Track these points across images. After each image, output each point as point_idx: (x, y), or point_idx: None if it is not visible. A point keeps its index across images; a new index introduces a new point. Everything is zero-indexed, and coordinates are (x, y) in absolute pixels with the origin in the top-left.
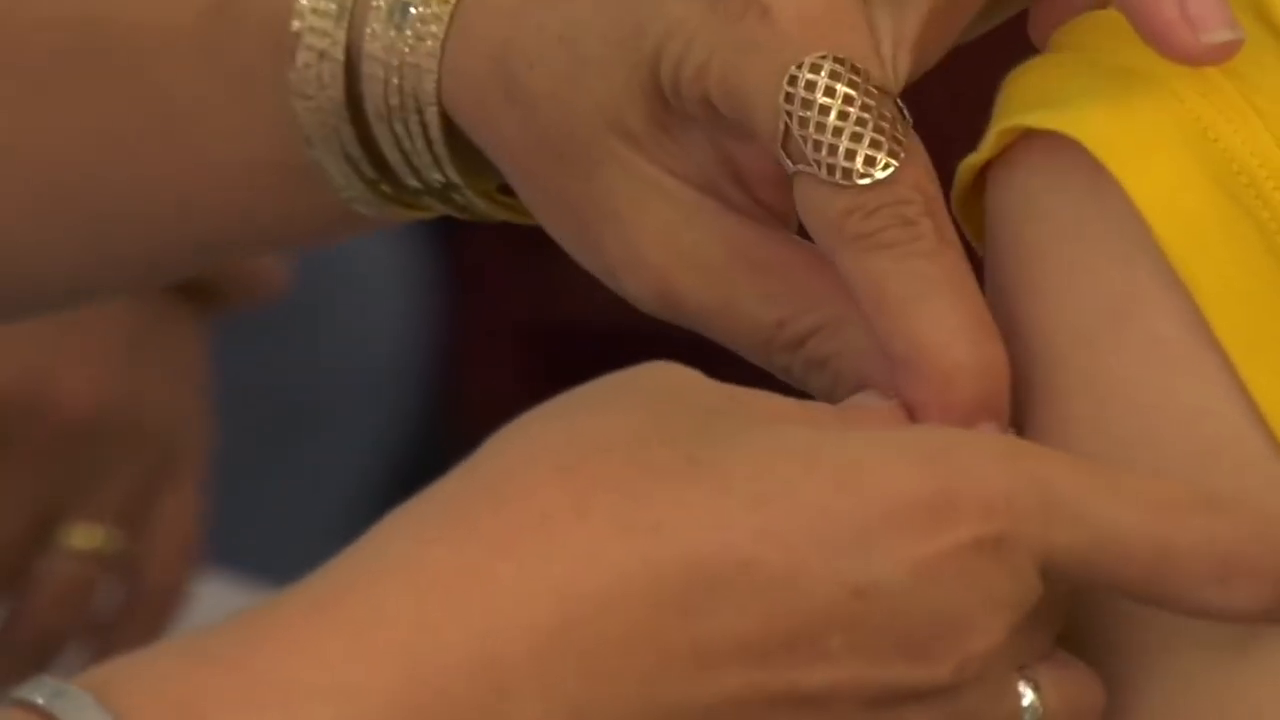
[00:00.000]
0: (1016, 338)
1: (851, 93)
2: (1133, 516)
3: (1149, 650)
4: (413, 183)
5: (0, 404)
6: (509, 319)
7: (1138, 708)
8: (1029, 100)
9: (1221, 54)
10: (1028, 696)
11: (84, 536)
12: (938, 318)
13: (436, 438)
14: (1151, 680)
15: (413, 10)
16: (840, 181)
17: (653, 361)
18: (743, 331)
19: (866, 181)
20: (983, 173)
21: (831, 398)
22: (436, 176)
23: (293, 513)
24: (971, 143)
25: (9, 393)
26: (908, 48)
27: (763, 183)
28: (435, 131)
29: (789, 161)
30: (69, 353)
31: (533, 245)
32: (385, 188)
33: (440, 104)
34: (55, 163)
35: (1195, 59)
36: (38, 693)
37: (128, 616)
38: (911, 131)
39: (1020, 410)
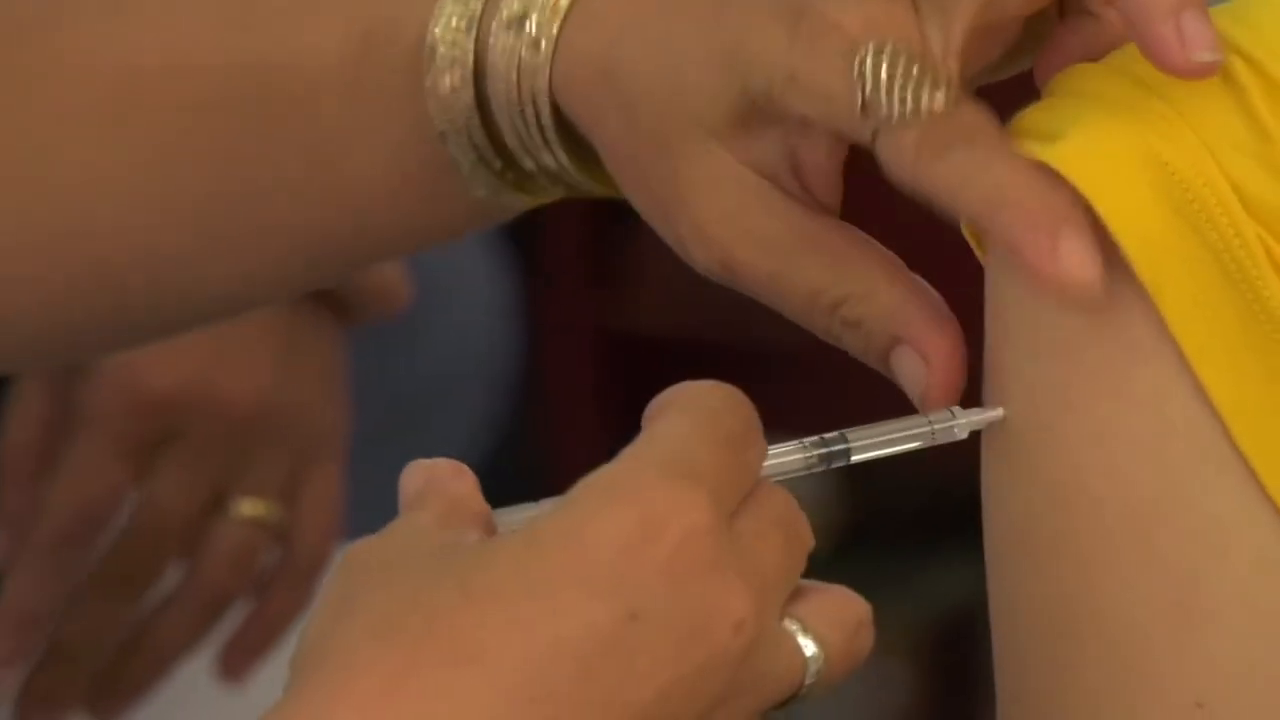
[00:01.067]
0: (1003, 315)
1: (907, 55)
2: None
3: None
4: (529, 165)
5: (179, 401)
6: (584, 326)
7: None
8: (1027, 135)
9: (1205, 71)
10: (808, 644)
11: (250, 508)
12: (1017, 178)
13: (520, 434)
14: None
15: (529, 22)
16: (916, 108)
17: (350, 557)
18: (790, 296)
19: (933, 104)
20: None
21: (865, 355)
22: (549, 160)
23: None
24: None
25: (187, 392)
26: (954, 55)
27: (816, 174)
28: (547, 122)
29: (867, 117)
30: (233, 360)
31: (605, 259)
32: (508, 174)
33: (552, 100)
34: (219, 191)
35: (1183, 73)
36: None
37: (282, 576)
38: (956, 80)
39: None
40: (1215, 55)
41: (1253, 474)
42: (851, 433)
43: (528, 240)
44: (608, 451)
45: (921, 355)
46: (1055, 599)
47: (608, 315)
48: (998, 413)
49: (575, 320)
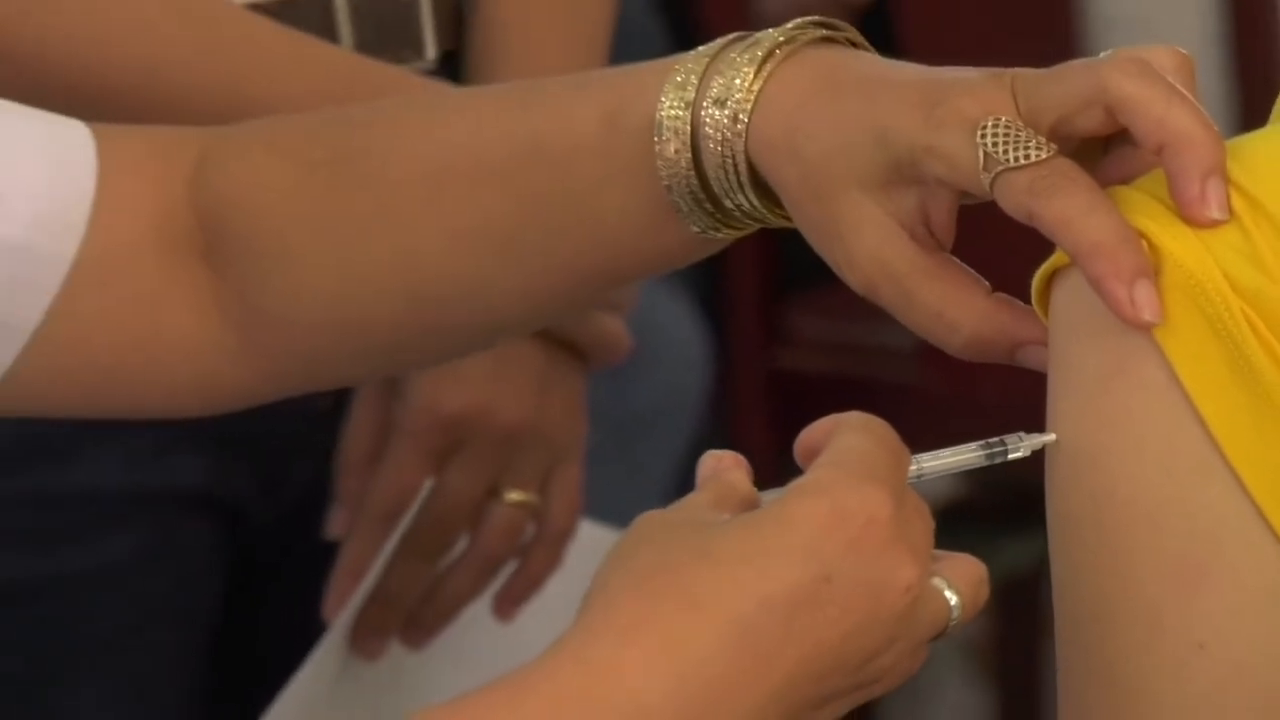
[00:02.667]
0: (1058, 361)
1: (1015, 127)
2: None
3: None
4: (729, 205)
5: (466, 419)
6: (755, 373)
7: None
8: None
9: (1215, 225)
10: (949, 595)
11: (516, 495)
12: (1101, 223)
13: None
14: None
15: (729, 103)
16: (1025, 163)
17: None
18: (912, 311)
19: (1038, 159)
20: (1051, 276)
21: (959, 351)
22: (744, 202)
23: (626, 493)
24: (1044, 255)
25: (471, 412)
26: (1044, 130)
27: (937, 223)
28: (744, 175)
29: (985, 177)
30: (505, 389)
31: (771, 325)
32: (715, 213)
33: (748, 159)
34: (512, 233)
35: (1199, 224)
36: None
37: (538, 545)
38: (1050, 142)
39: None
40: (1224, 215)
41: (1241, 484)
42: (946, 451)
43: (716, 309)
44: (775, 461)
45: (1008, 342)
46: (1095, 573)
47: (772, 363)
48: (1051, 437)
49: (749, 368)
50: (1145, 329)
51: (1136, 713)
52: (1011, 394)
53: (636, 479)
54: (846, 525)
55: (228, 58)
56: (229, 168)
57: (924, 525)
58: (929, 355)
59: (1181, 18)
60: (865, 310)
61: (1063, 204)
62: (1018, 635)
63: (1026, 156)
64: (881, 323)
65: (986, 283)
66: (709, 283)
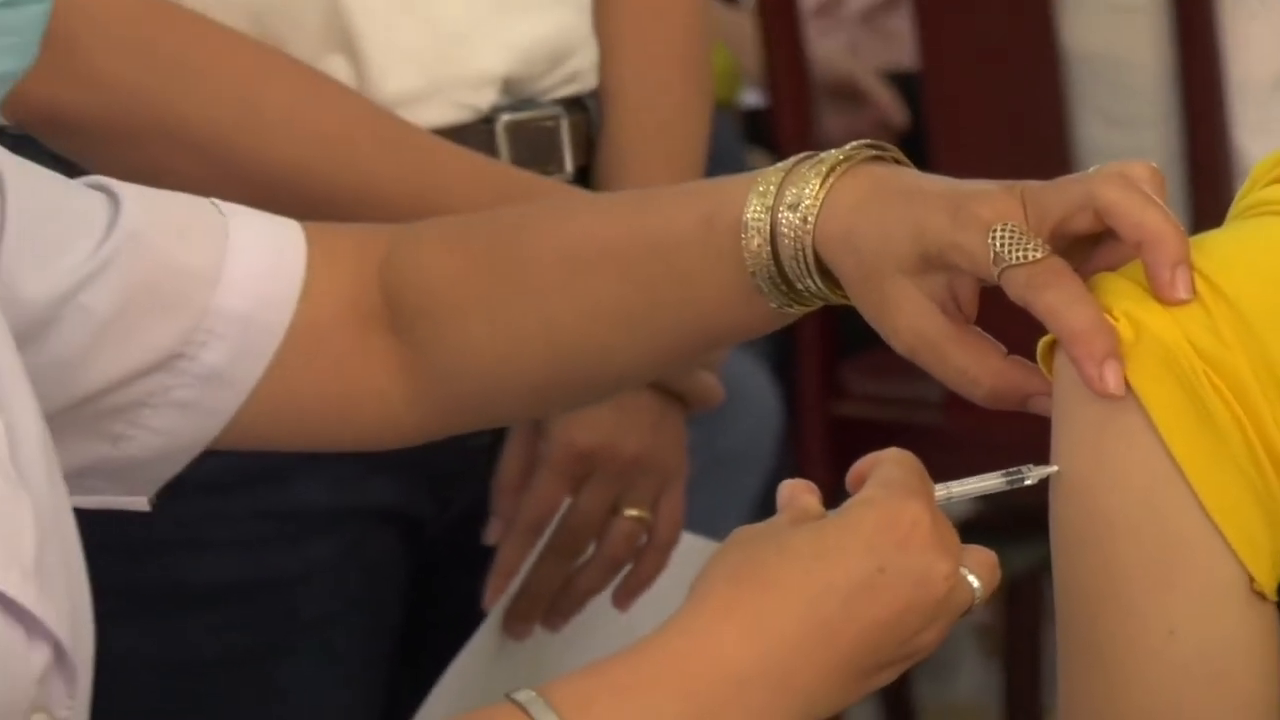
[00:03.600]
0: (1059, 407)
1: (1020, 231)
2: None
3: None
4: (800, 287)
5: (595, 453)
6: (815, 419)
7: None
8: None
9: (1183, 304)
10: (973, 581)
11: (633, 512)
12: (1080, 314)
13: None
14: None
15: (800, 208)
16: (1024, 261)
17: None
18: (944, 370)
19: (1034, 258)
20: (1052, 342)
21: (982, 401)
22: (811, 285)
23: (716, 513)
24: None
25: (599, 445)
26: (1045, 235)
27: (963, 299)
28: (811, 263)
29: (995, 266)
30: (626, 429)
31: (836, 373)
32: (789, 293)
33: (815, 251)
34: (631, 310)
35: (1170, 304)
36: (519, 695)
37: (648, 552)
38: (1046, 244)
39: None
40: (1190, 296)
41: (1203, 508)
42: (972, 479)
43: (787, 370)
44: (832, 490)
45: (1020, 394)
46: (1088, 574)
47: (830, 412)
48: (1054, 469)
49: (812, 416)
50: (1111, 398)
51: (1120, 687)
52: (1021, 435)
53: (724, 502)
54: (896, 529)
55: (414, 170)
56: (411, 258)
57: (952, 530)
58: (954, 404)
59: (1149, 153)
60: (903, 369)
61: (1052, 297)
62: (1022, 622)
63: (1026, 256)
64: (916, 379)
65: (1003, 347)
66: (782, 349)
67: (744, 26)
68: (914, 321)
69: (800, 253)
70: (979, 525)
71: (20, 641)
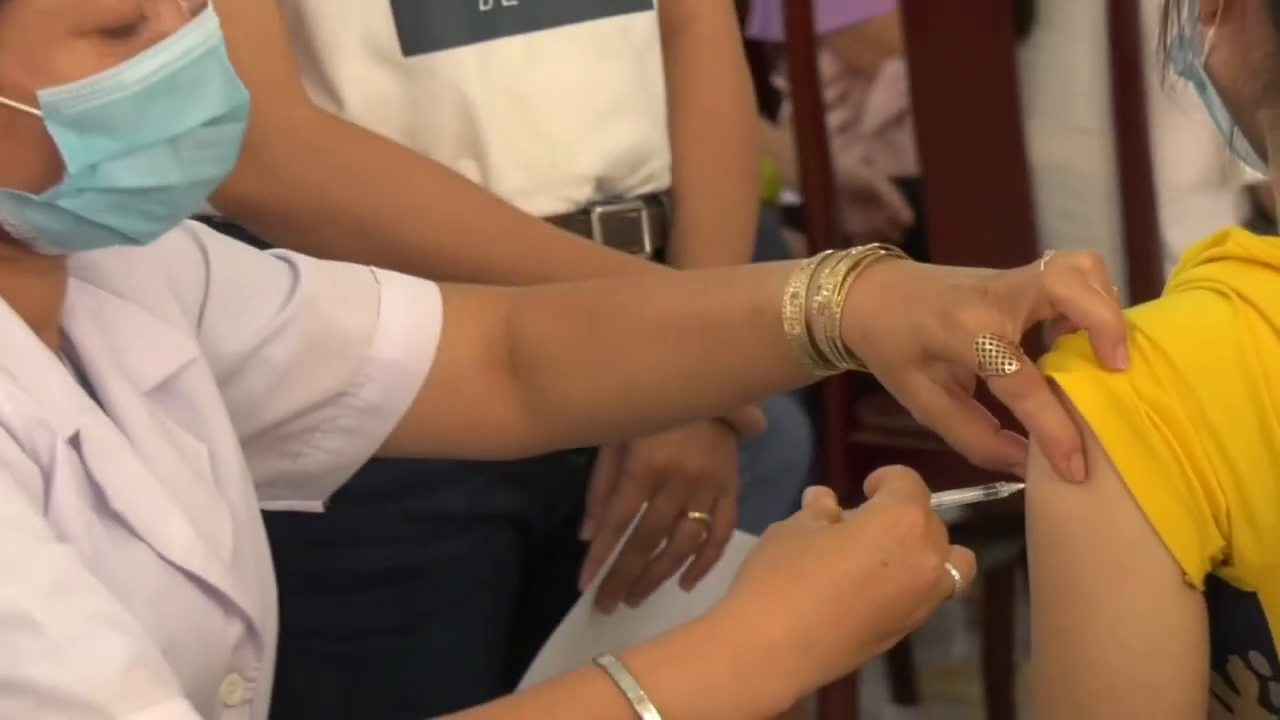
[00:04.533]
0: (1033, 454)
1: (999, 344)
2: None
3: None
4: (831, 359)
5: (666, 469)
6: (838, 445)
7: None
8: (1051, 364)
9: (1121, 369)
10: (955, 574)
11: (696, 515)
12: (1051, 420)
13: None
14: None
15: (829, 306)
16: (1002, 373)
17: (776, 533)
18: (950, 435)
19: (1009, 371)
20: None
21: (978, 461)
22: (839, 360)
23: (760, 518)
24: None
25: (670, 463)
26: (1016, 335)
27: (963, 382)
28: (839, 346)
29: (981, 372)
30: (690, 448)
31: (854, 409)
32: (821, 362)
33: (842, 337)
34: (694, 370)
35: (1111, 368)
36: (603, 660)
37: (707, 546)
38: (1023, 354)
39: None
40: (1126, 365)
41: (1146, 518)
42: (957, 491)
43: (816, 407)
44: (851, 500)
45: (1005, 463)
46: (1056, 570)
47: (850, 440)
48: (1022, 485)
49: (835, 444)
50: (1075, 480)
51: (1083, 663)
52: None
53: (766, 510)
54: (897, 529)
55: (529, 249)
56: (528, 321)
57: (942, 532)
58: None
59: (1096, 242)
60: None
61: (1029, 405)
62: (998, 603)
63: (1004, 369)
64: None
65: (996, 421)
66: (811, 391)
67: (784, 141)
68: (925, 402)
69: (831, 343)
70: (966, 528)
71: (219, 619)
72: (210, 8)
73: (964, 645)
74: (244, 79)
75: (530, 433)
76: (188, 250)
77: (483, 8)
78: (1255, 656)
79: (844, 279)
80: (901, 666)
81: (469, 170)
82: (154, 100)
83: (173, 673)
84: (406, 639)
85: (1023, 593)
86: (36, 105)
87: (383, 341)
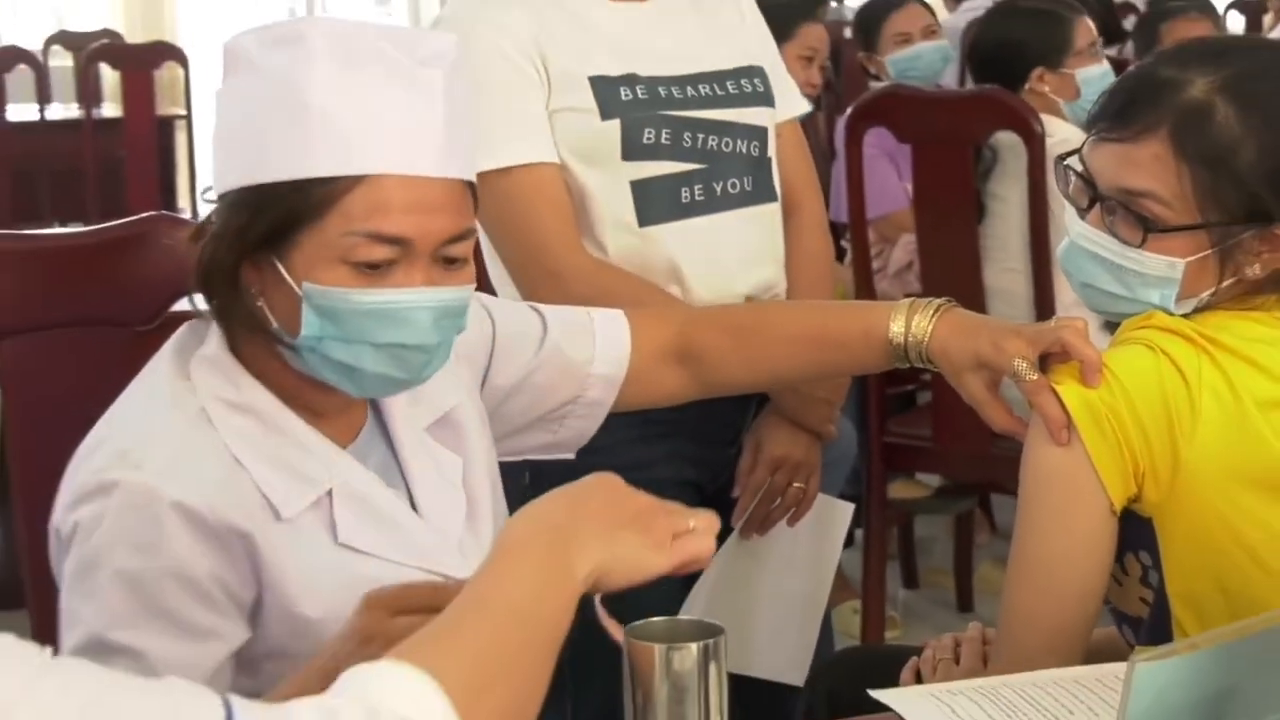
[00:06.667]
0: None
1: (1026, 362)
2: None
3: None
4: (919, 363)
5: (781, 458)
6: (879, 443)
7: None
8: (1052, 378)
9: (1097, 386)
10: (695, 523)
11: (798, 484)
12: (1052, 408)
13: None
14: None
15: (923, 331)
16: (1027, 380)
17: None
18: (988, 415)
19: (1031, 379)
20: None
21: (1000, 432)
22: (925, 366)
23: (827, 486)
24: None
25: (783, 455)
26: (1041, 348)
27: (997, 381)
28: (927, 357)
29: (1013, 379)
30: (794, 447)
31: (886, 420)
32: (904, 362)
33: (928, 352)
34: (809, 365)
35: (1090, 386)
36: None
37: (804, 504)
38: (1039, 370)
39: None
40: (1099, 384)
41: (1096, 471)
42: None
43: (860, 420)
44: (882, 477)
45: (1015, 433)
46: (1035, 502)
47: (883, 439)
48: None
49: (874, 442)
50: (1060, 446)
51: (1046, 555)
52: (968, 456)
53: (829, 482)
54: (585, 487)
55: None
56: (694, 329)
57: (650, 500)
58: (940, 437)
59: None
60: (923, 420)
61: (1039, 399)
62: (965, 530)
63: (1028, 378)
64: (922, 425)
65: (1012, 409)
66: (858, 409)
67: (847, 275)
68: (974, 392)
69: (920, 356)
70: (944, 491)
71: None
72: (468, 289)
73: (943, 556)
74: (548, 237)
75: (691, 394)
76: (480, 319)
77: (683, 200)
78: (1143, 554)
79: (930, 318)
80: (908, 567)
81: (675, 290)
82: (369, 318)
83: None
84: None
85: (980, 529)
86: (299, 288)
87: (598, 361)
